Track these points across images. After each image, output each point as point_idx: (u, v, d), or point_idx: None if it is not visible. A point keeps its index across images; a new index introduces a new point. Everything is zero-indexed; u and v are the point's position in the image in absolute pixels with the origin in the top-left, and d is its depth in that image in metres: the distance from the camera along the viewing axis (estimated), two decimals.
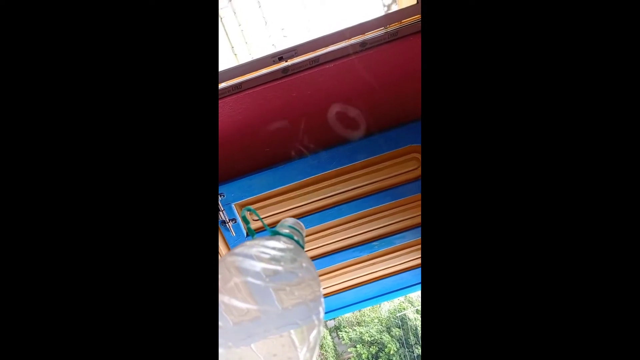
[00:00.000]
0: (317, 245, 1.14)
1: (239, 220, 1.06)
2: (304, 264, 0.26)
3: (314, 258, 1.16)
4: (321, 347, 9.90)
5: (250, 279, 0.23)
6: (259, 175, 0.99)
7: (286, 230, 0.29)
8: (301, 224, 0.30)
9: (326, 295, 1.25)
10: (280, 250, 0.26)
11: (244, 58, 1.06)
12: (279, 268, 0.24)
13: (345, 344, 10.38)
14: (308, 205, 1.07)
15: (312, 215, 1.07)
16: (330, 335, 10.50)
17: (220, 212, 1.01)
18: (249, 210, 0.30)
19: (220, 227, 1.06)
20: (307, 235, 1.12)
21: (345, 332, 10.45)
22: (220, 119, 0.94)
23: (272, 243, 0.26)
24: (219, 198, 1.00)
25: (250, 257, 0.24)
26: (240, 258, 0.24)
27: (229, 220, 1.03)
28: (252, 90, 0.93)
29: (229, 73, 0.96)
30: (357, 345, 9.85)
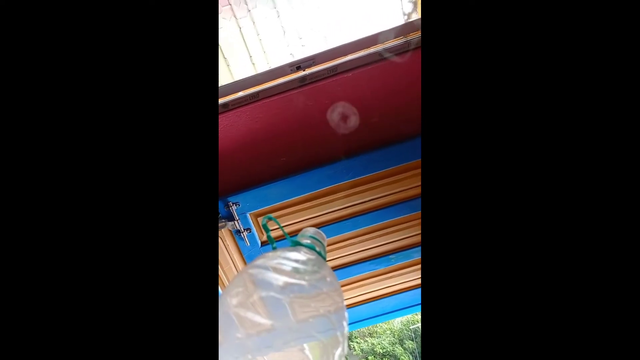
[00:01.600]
0: (333, 257, 1.11)
1: (254, 229, 1.04)
2: (327, 278, 0.25)
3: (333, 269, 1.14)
4: None
5: (272, 294, 0.22)
6: (275, 185, 0.98)
7: (307, 241, 0.28)
8: (322, 233, 0.29)
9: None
10: (302, 262, 0.25)
11: (262, 67, 1.06)
12: (301, 282, 0.23)
13: (357, 354, 10.22)
14: (324, 216, 1.05)
15: (328, 227, 1.05)
16: None
17: (235, 222, 1.00)
18: (269, 219, 0.29)
19: (235, 236, 1.05)
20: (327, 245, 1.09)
21: (357, 342, 10.30)
22: (236, 127, 0.94)
23: (294, 255, 0.25)
24: (235, 207, 0.99)
25: (271, 269, 0.23)
26: (262, 270, 0.23)
27: (244, 229, 1.02)
28: (269, 99, 0.92)
29: (247, 82, 0.96)
30: (369, 357, 9.67)
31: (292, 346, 0.21)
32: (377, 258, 1.12)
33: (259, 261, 0.24)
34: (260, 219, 1.04)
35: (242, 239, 1.04)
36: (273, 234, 1.08)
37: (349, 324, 1.23)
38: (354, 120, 0.94)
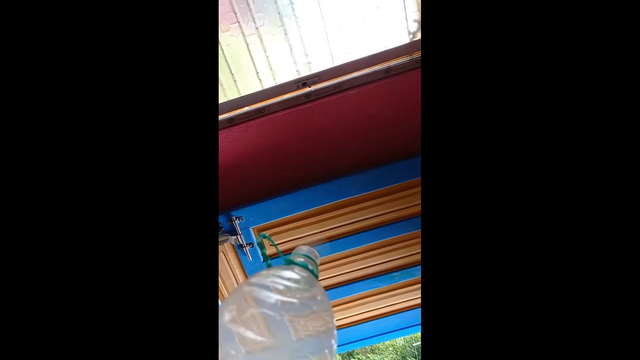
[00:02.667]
0: (336, 273, 1.10)
1: (256, 244, 1.04)
2: (317, 296, 0.25)
3: (332, 287, 1.12)
4: None
5: (265, 311, 0.23)
6: (279, 200, 0.98)
7: (300, 259, 0.28)
8: (316, 252, 0.29)
9: (344, 327, 1.19)
10: (294, 281, 0.25)
11: (269, 83, 1.07)
12: (293, 300, 0.23)
13: None
14: (327, 232, 1.04)
15: (332, 242, 1.04)
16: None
17: (238, 236, 1.00)
18: (264, 237, 0.29)
19: (237, 251, 1.05)
20: (326, 263, 1.08)
21: (359, 359, 10.09)
22: (241, 142, 0.95)
23: (287, 273, 0.26)
24: (238, 221, 0.99)
25: (266, 287, 0.24)
26: (256, 288, 0.23)
27: (247, 244, 1.02)
28: (275, 115, 0.93)
29: (253, 97, 0.97)
30: None
31: None
32: (381, 275, 1.10)
33: (254, 279, 0.25)
34: (262, 234, 1.04)
35: (245, 254, 1.03)
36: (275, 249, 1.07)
37: (352, 342, 1.21)
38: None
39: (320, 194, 0.98)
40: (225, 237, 0.99)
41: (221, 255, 1.06)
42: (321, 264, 1.09)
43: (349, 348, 1.24)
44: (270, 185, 0.99)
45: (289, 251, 1.06)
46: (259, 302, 0.23)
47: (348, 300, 1.15)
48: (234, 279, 1.09)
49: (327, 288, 1.12)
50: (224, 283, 1.09)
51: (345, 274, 1.11)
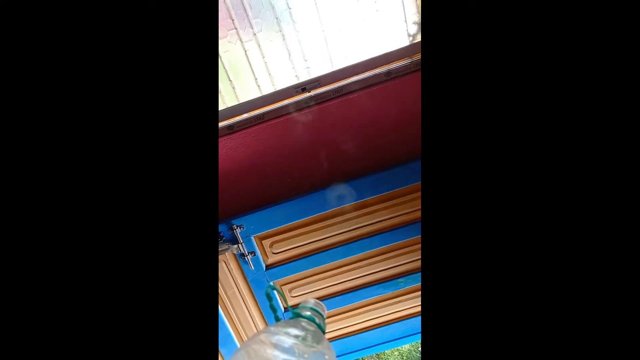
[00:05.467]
0: (340, 280, 1.08)
1: (258, 253, 1.02)
2: (325, 355, 0.25)
3: (337, 294, 1.10)
4: None
5: None
6: (280, 207, 0.96)
7: (308, 313, 0.29)
8: (322, 305, 0.31)
9: (349, 334, 1.17)
10: (301, 338, 0.25)
11: (268, 89, 1.06)
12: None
13: None
14: (330, 238, 1.02)
15: (335, 249, 1.02)
16: None
17: (239, 245, 0.98)
18: (273, 288, 0.29)
19: (239, 260, 1.03)
20: (330, 270, 1.06)
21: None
22: (241, 149, 0.93)
23: (293, 330, 0.26)
24: (239, 229, 0.97)
25: (272, 346, 0.24)
26: (263, 347, 0.24)
27: (248, 253, 1.00)
28: (274, 121, 0.92)
29: (252, 104, 0.95)
30: None
31: None
32: (386, 282, 1.08)
33: (262, 336, 0.25)
34: (264, 242, 1.02)
35: (246, 263, 1.01)
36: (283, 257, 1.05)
37: (358, 350, 1.18)
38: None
39: (322, 201, 0.96)
40: (227, 247, 0.98)
41: (222, 265, 1.04)
42: (326, 271, 1.07)
43: (356, 356, 1.22)
44: (271, 193, 0.98)
45: (294, 258, 1.04)
46: None
47: (353, 307, 1.13)
48: (236, 289, 1.07)
49: (332, 296, 1.10)
50: (226, 293, 1.07)
51: (349, 281, 1.09)
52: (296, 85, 0.96)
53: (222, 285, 1.06)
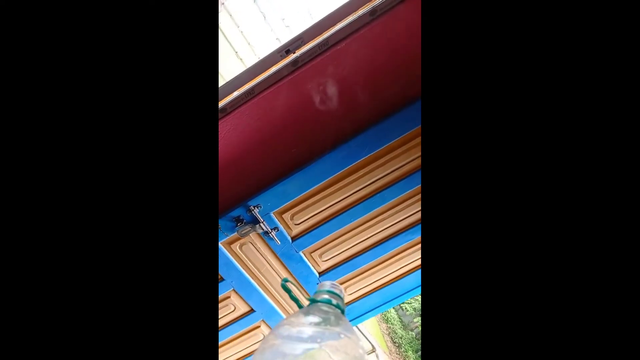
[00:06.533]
0: (367, 236, 1.08)
1: (281, 227, 1.02)
2: (341, 334, 0.25)
3: (366, 250, 1.11)
4: (387, 320, 10.02)
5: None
6: (291, 179, 0.95)
7: (325, 296, 0.29)
8: (339, 286, 0.30)
9: (381, 287, 1.19)
10: (321, 325, 0.25)
11: (251, 60, 1.00)
12: (318, 345, 0.24)
13: (410, 314, 10.41)
14: (348, 198, 1.01)
15: (355, 208, 1.02)
16: (394, 308, 10.60)
17: (261, 224, 0.98)
18: (286, 281, 0.29)
19: (264, 238, 1.04)
20: (354, 228, 1.06)
21: (408, 303, 10.48)
22: (239, 130, 0.90)
23: (311, 318, 0.25)
24: (257, 209, 0.97)
25: (291, 339, 0.23)
26: (284, 341, 0.23)
27: (271, 229, 1.00)
28: (265, 93, 0.87)
29: (239, 80, 0.91)
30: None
31: None
32: (412, 228, 1.07)
33: (282, 329, 0.24)
34: (284, 216, 1.02)
35: (272, 239, 1.02)
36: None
37: (399, 296, 1.21)
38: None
39: (331, 163, 0.94)
40: (249, 228, 0.98)
41: (250, 246, 1.06)
42: (351, 230, 1.07)
43: (389, 306, 1.24)
44: (280, 167, 0.96)
45: (317, 225, 1.04)
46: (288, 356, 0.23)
47: (387, 257, 1.13)
48: (268, 266, 1.09)
49: (362, 252, 1.11)
50: (259, 271, 1.09)
51: (376, 235, 1.09)
52: (279, 48, 0.90)
53: (254, 265, 1.08)
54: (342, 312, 0.28)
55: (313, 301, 0.28)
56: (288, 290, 0.30)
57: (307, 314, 0.26)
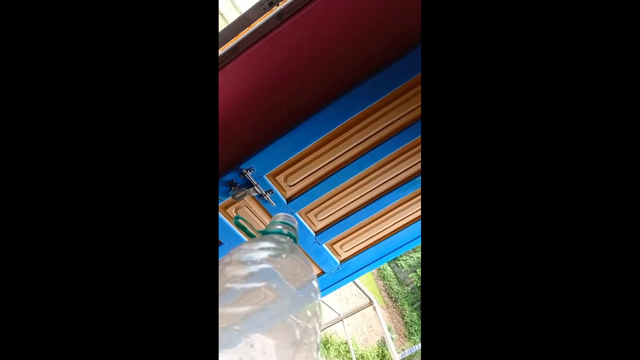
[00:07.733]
0: (361, 193, 1.09)
1: (275, 189, 1.02)
2: (299, 260, 0.26)
3: (361, 207, 1.12)
4: (383, 277, 10.45)
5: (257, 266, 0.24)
6: (283, 140, 0.93)
7: (278, 227, 0.30)
8: (292, 217, 0.32)
9: (381, 240, 1.22)
10: (272, 249, 0.26)
11: (232, 16, 0.95)
12: (272, 265, 0.25)
13: (405, 270, 10.86)
14: (341, 157, 1.00)
15: (349, 166, 1.01)
16: (389, 265, 11.02)
17: (255, 187, 0.98)
18: (239, 218, 0.32)
19: (259, 200, 1.04)
20: (349, 187, 1.07)
21: (404, 260, 10.89)
22: (225, 91, 0.87)
23: (265, 244, 0.27)
24: (250, 173, 0.96)
25: (246, 263, 0.24)
26: (234, 267, 0.24)
27: (265, 192, 1.00)
28: (250, 50, 0.83)
29: (221, 37, 0.86)
30: (417, 270, 10.25)
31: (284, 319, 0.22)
32: (404, 184, 1.08)
33: (234, 255, 0.25)
34: (278, 178, 1.01)
35: (267, 201, 1.02)
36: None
37: (395, 249, 1.25)
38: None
39: (324, 120, 0.92)
40: (243, 192, 0.98)
41: (245, 210, 1.06)
42: (345, 189, 1.07)
43: (383, 262, 1.28)
44: (271, 128, 0.93)
45: (311, 185, 1.04)
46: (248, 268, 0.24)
47: (383, 213, 1.15)
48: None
49: (358, 209, 1.12)
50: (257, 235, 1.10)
51: (370, 192, 1.09)
52: (262, 1, 0.85)
53: (251, 228, 1.09)
54: (295, 241, 0.29)
55: (265, 232, 0.29)
56: (243, 227, 0.31)
57: (260, 241, 0.27)
